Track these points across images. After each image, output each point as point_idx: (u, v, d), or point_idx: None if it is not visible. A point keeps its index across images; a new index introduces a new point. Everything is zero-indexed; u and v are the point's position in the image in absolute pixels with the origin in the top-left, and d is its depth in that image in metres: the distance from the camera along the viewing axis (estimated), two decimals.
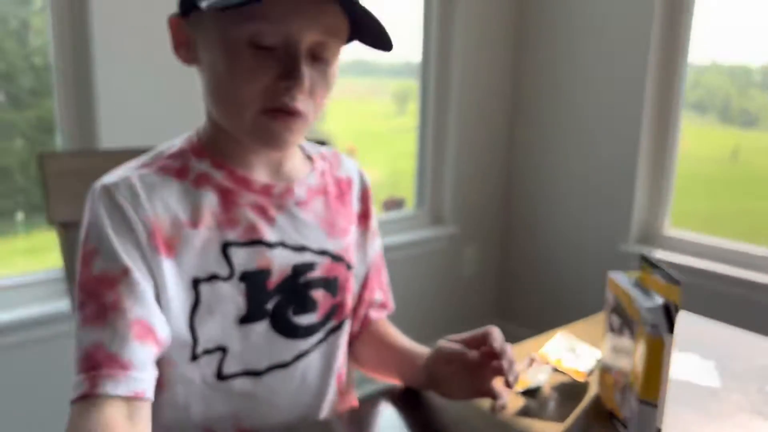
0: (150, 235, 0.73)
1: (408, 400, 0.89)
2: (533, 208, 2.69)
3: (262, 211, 0.80)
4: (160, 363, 0.74)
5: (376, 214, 0.96)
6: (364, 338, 0.96)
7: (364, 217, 0.93)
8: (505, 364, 0.77)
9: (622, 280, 0.85)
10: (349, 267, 0.88)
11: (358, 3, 0.70)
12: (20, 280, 1.67)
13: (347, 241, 0.88)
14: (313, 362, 0.85)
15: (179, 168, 0.78)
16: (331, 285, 0.85)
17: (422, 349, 0.89)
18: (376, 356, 0.95)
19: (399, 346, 0.92)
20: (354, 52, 2.40)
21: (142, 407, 0.68)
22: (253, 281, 0.78)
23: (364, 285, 0.94)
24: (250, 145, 0.78)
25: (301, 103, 0.73)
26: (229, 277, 0.77)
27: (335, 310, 0.87)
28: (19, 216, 1.75)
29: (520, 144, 2.70)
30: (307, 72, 0.71)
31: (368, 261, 0.94)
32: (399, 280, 2.63)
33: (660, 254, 2.28)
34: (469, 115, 2.54)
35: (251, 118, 0.73)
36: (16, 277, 1.68)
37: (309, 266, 0.83)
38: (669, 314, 0.76)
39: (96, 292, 0.69)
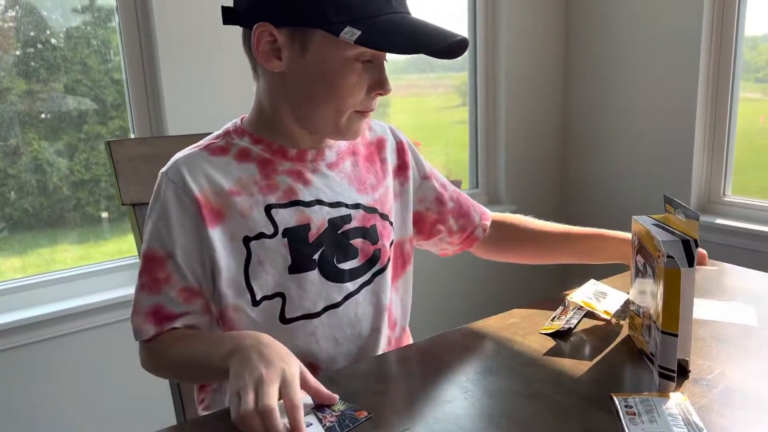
0: (198, 209, 0.85)
1: (451, 341, 0.95)
2: (589, 183, 2.67)
3: (299, 176, 0.90)
4: (229, 310, 0.88)
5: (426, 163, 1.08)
6: (495, 242, 1.16)
7: (400, 168, 1.03)
8: None
9: (644, 220, 0.88)
10: (383, 217, 0.97)
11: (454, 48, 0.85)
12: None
13: (379, 194, 0.97)
14: (361, 301, 0.95)
15: (223, 146, 0.90)
16: (368, 233, 0.95)
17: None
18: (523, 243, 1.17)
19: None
20: None
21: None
22: (295, 235, 0.89)
23: (442, 219, 1.08)
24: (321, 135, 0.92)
25: None
26: (274, 234, 0.87)
27: (377, 255, 0.96)
28: (104, 214, 1.89)
29: (573, 113, 2.69)
30: None
31: (427, 202, 1.06)
32: (459, 257, 2.68)
33: (720, 221, 2.23)
34: (519, 93, 2.55)
35: (347, 119, 0.88)
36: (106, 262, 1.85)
37: (345, 218, 0.92)
38: (688, 249, 0.79)
39: (149, 268, 0.86)
